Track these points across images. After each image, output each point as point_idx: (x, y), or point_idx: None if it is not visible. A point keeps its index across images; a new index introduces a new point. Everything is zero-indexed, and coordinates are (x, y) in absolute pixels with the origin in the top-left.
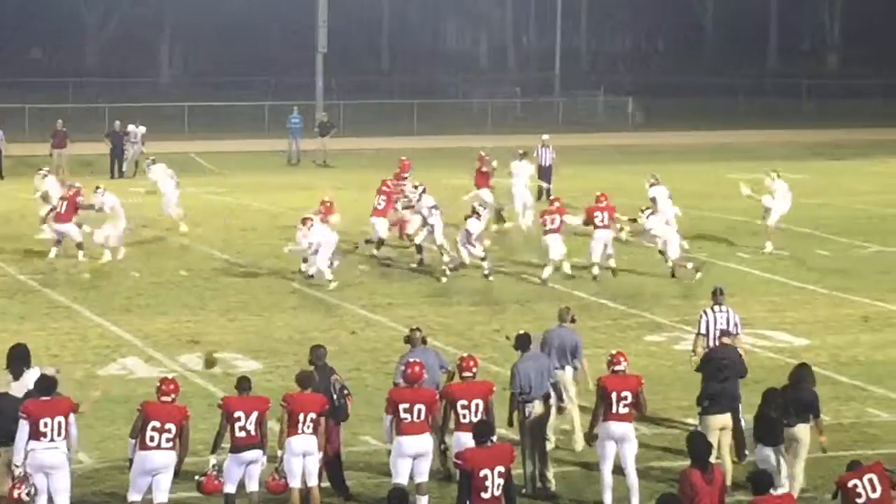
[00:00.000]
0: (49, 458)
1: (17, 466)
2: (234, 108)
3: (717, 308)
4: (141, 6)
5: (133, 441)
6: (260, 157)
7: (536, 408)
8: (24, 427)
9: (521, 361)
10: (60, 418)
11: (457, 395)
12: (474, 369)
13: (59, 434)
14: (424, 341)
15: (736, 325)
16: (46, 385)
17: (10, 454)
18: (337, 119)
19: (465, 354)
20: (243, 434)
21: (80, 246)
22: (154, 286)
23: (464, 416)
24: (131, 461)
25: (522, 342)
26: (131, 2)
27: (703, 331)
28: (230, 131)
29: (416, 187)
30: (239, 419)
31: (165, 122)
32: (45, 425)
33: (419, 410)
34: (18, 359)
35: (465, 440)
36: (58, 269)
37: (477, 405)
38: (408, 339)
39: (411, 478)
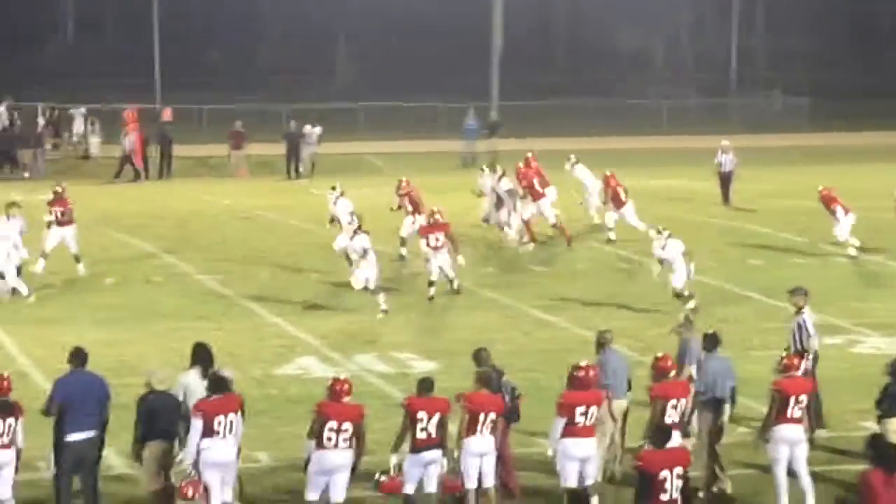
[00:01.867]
0: (223, 455)
1: (187, 464)
2: (407, 109)
3: None
4: (317, 8)
5: (310, 441)
6: (433, 158)
7: (720, 409)
8: (197, 425)
9: (707, 360)
10: (233, 416)
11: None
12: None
13: (230, 431)
14: (602, 345)
15: None
16: (220, 383)
17: (160, 449)
18: (510, 120)
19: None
20: (424, 435)
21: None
22: (330, 287)
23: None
24: (308, 461)
25: (710, 342)
26: (308, 4)
27: None
28: (404, 132)
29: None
30: (421, 420)
31: (340, 123)
32: (219, 423)
33: (592, 413)
34: (205, 357)
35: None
36: (235, 270)
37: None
38: (598, 342)
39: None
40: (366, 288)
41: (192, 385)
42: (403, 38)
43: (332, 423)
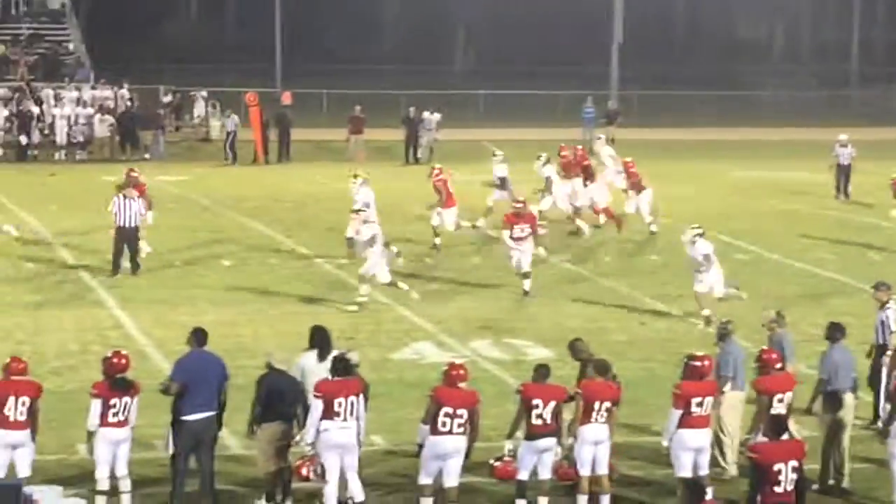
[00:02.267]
0: (342, 437)
1: (307, 445)
2: (527, 97)
3: None
4: None
5: (425, 426)
6: (552, 146)
7: (846, 399)
8: (317, 406)
9: (830, 351)
10: (353, 398)
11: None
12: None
13: (351, 414)
14: (723, 336)
15: None
16: (343, 366)
17: (277, 430)
18: (630, 109)
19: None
20: (540, 422)
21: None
22: (446, 272)
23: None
24: (421, 446)
25: (834, 332)
26: None
27: None
28: (524, 120)
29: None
30: (536, 406)
31: (459, 110)
32: (339, 405)
33: (707, 404)
34: (323, 340)
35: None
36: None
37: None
38: (719, 333)
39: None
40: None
41: (310, 367)
42: (523, 25)
43: (448, 409)
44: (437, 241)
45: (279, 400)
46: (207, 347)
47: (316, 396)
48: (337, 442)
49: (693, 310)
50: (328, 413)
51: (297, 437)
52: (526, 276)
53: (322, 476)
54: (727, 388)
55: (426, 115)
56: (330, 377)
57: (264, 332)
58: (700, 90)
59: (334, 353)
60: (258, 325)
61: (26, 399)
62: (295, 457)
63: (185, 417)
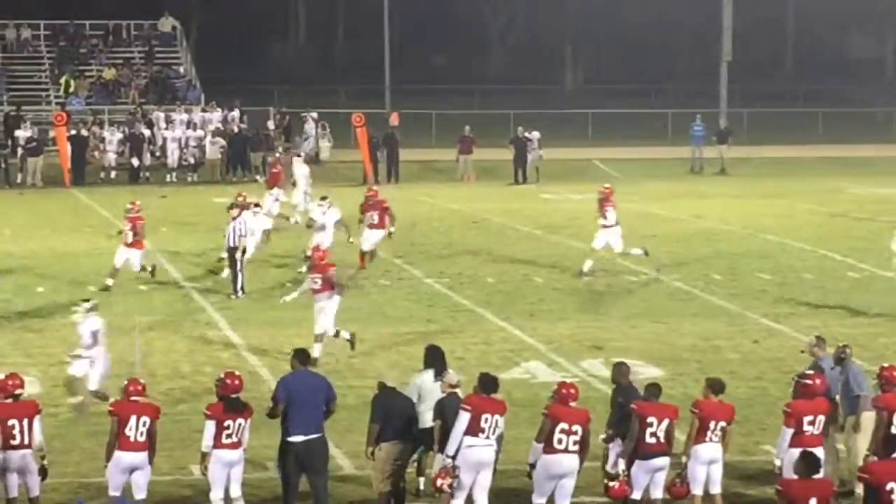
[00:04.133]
0: (484, 454)
1: (447, 458)
2: (637, 115)
3: None
4: (545, 13)
5: (538, 444)
6: (662, 165)
7: None
8: (464, 419)
9: None
10: (498, 417)
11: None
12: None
13: (493, 432)
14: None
15: None
16: (491, 383)
17: (394, 450)
18: (739, 127)
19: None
20: (653, 440)
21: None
22: (556, 292)
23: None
24: (533, 465)
25: None
26: (535, 9)
27: None
28: (633, 138)
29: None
30: (651, 425)
31: (568, 129)
32: (486, 421)
33: (819, 423)
34: (438, 359)
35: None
36: (463, 274)
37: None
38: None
39: None
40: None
41: (427, 386)
42: (632, 43)
43: (563, 425)
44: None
45: (395, 419)
46: (319, 370)
47: (464, 409)
48: (479, 459)
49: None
50: (473, 429)
51: (415, 456)
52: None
53: (453, 491)
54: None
55: (529, 133)
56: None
57: (375, 352)
58: (810, 107)
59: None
60: (369, 346)
61: (147, 420)
62: (436, 467)
63: (289, 439)
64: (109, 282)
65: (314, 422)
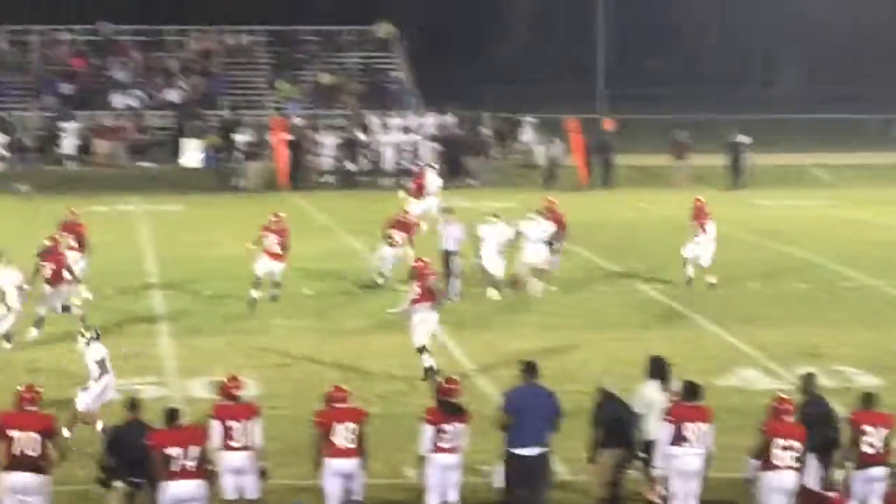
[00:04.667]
0: (692, 463)
1: (657, 469)
2: (856, 121)
3: None
4: (760, 16)
5: (754, 461)
6: (880, 171)
7: None
8: (667, 430)
9: None
10: (702, 425)
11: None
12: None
13: (699, 440)
14: None
15: None
16: (695, 391)
17: (616, 456)
18: None
19: None
20: (871, 450)
21: None
22: (772, 298)
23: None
24: (751, 479)
25: None
26: (752, 10)
27: None
28: (852, 144)
29: None
30: (867, 434)
31: (784, 134)
32: (690, 430)
33: None
34: (663, 370)
35: None
36: (677, 280)
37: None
38: None
39: None
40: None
41: (654, 397)
42: (849, 46)
43: (781, 441)
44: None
45: (617, 426)
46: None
47: (667, 420)
48: (686, 468)
49: None
50: (678, 438)
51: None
52: None
53: (665, 501)
54: None
55: (741, 138)
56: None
57: (590, 357)
58: None
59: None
60: (584, 352)
61: (353, 426)
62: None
63: (515, 451)
64: (254, 294)
65: (540, 436)
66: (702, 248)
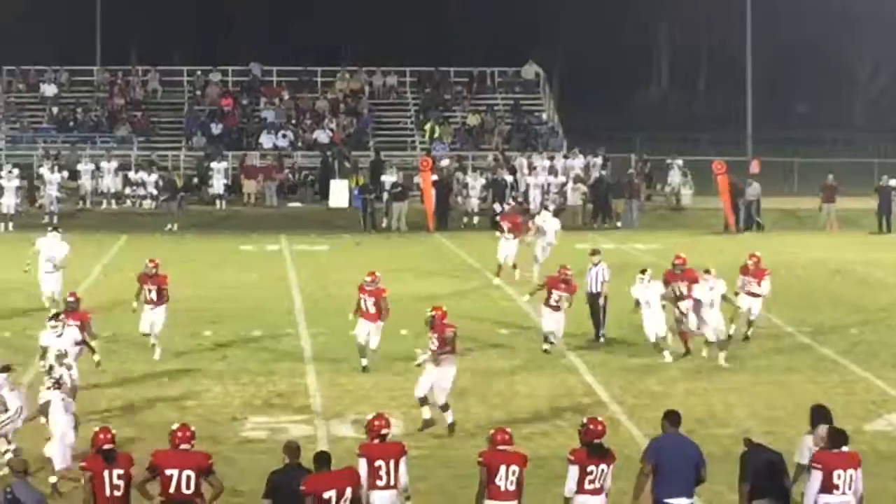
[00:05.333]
0: None
1: None
2: None
3: None
4: None
5: None
6: None
7: None
8: (816, 478)
9: None
10: (852, 472)
11: None
12: None
13: (849, 488)
14: None
15: None
16: (840, 437)
17: None
18: None
19: None
20: None
21: None
22: None
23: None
24: None
25: None
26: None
27: None
28: None
29: None
30: None
31: None
32: (839, 477)
33: None
34: (823, 419)
35: None
36: (825, 324)
37: None
38: None
39: None
40: None
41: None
42: None
43: None
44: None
45: (766, 476)
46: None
47: (815, 468)
48: None
49: None
50: (827, 486)
51: None
52: None
53: None
54: None
55: (892, 182)
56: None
57: (734, 401)
58: None
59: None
60: (727, 395)
61: (516, 468)
62: None
63: (662, 501)
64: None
65: (686, 487)
66: (754, 302)
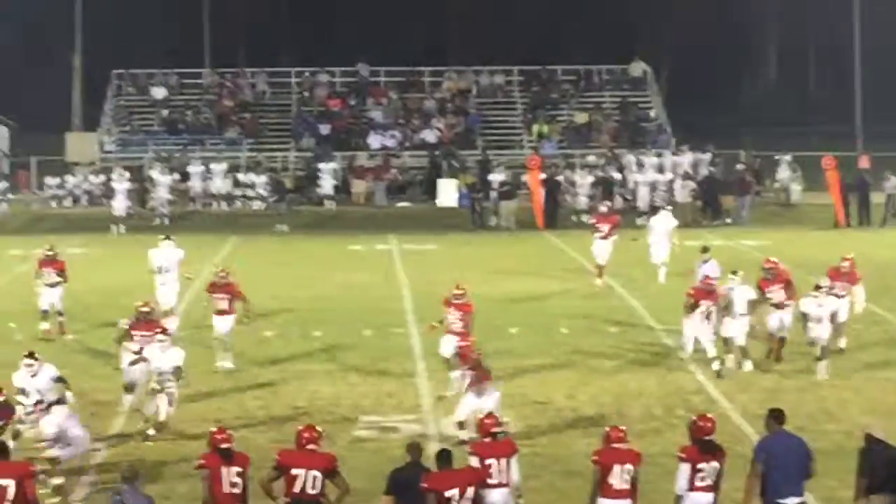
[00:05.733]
0: None
1: None
2: None
3: None
4: None
5: None
6: None
7: None
8: None
9: None
10: None
11: None
12: None
13: None
14: None
15: None
16: None
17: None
18: None
19: None
20: None
21: None
22: None
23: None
24: None
25: None
26: None
27: None
28: None
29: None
30: None
31: None
32: None
33: None
34: None
35: None
36: None
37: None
38: None
39: None
40: None
41: None
42: None
43: None
44: None
45: (887, 472)
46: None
47: None
48: None
49: None
50: None
51: None
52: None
53: None
54: None
55: None
56: None
57: (847, 396)
58: None
59: None
60: (841, 390)
61: (630, 467)
62: None
63: (775, 500)
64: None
65: (796, 487)
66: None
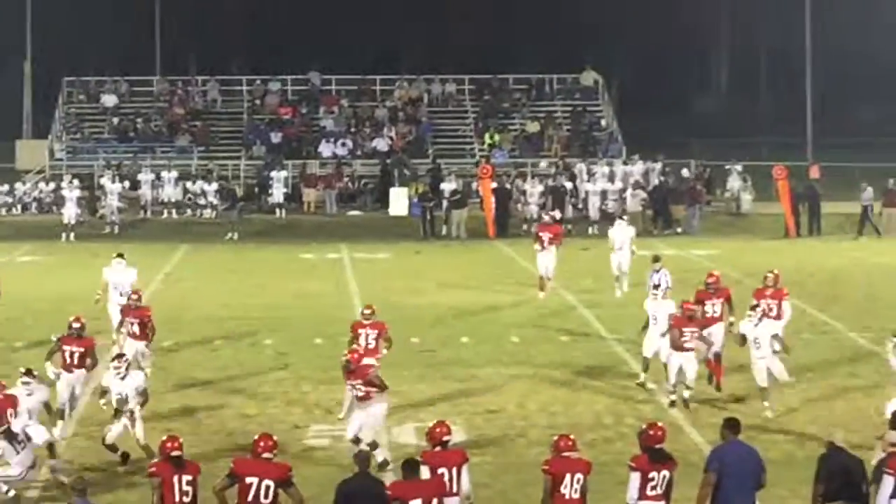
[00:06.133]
0: None
1: None
2: None
3: None
4: None
5: None
6: None
7: None
8: (888, 482)
9: None
10: None
11: None
12: None
13: None
14: None
15: None
16: None
17: None
18: None
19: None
20: None
21: None
22: None
23: None
24: None
25: None
26: None
27: None
28: None
29: None
30: None
31: None
32: None
33: None
34: None
35: None
36: (887, 328)
37: None
38: None
39: None
40: None
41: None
42: None
43: None
44: None
45: (843, 480)
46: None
47: (888, 473)
48: None
49: None
50: None
51: None
52: None
53: None
54: None
55: None
56: None
57: (796, 405)
58: None
59: None
60: (790, 399)
61: (580, 476)
62: None
63: None
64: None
65: (748, 497)
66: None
